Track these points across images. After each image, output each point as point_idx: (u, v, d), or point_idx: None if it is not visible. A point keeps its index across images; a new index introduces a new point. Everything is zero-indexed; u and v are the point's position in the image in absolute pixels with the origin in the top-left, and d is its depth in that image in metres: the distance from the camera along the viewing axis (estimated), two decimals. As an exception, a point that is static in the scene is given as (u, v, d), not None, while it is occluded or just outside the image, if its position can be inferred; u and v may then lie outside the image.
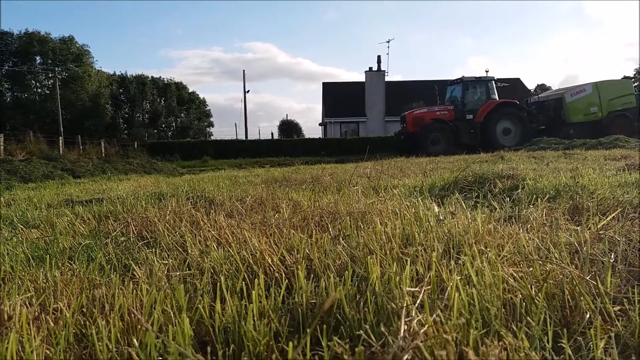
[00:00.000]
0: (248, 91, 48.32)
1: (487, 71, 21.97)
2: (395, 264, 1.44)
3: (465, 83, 20.91)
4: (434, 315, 1.06)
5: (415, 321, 1.05)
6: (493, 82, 21.21)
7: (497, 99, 20.98)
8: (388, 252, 1.66)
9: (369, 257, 1.50)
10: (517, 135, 20.45)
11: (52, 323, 1.24)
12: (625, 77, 22.04)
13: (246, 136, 47.87)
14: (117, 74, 58.17)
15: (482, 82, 21.07)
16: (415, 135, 20.14)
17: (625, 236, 1.78)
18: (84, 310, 1.34)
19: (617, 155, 7.26)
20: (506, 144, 19.40)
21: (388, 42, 45.85)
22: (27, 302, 1.40)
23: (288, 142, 33.40)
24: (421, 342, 0.96)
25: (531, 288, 1.25)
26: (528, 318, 1.12)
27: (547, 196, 2.79)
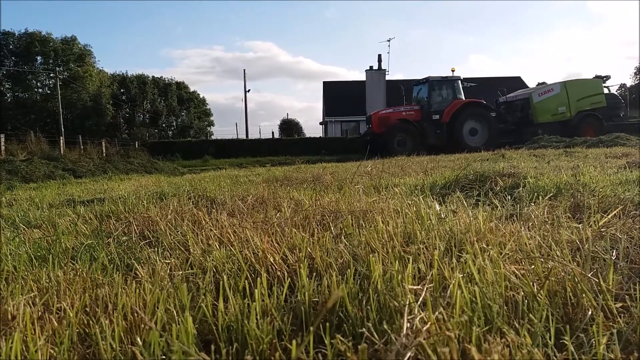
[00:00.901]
0: (249, 90, 48.30)
1: (453, 70, 21.54)
2: (397, 262, 1.44)
3: (431, 83, 20.59)
4: (437, 313, 1.07)
5: (417, 319, 1.05)
6: (459, 81, 20.93)
7: (464, 98, 20.66)
8: (390, 250, 1.66)
9: (370, 255, 1.50)
10: (484, 135, 20.10)
11: (55, 323, 1.24)
12: (597, 77, 21.74)
13: (247, 135, 47.89)
14: (118, 73, 58.19)
15: (448, 82, 20.79)
16: (381, 136, 19.73)
17: (627, 233, 1.78)
18: (87, 309, 1.34)
19: (618, 153, 7.26)
20: (473, 144, 18.90)
21: (389, 41, 45.88)
22: (30, 302, 1.40)
23: (289, 141, 33.42)
24: (424, 339, 0.96)
25: (533, 285, 1.25)
26: (530, 315, 1.12)
27: (549, 194, 2.79)
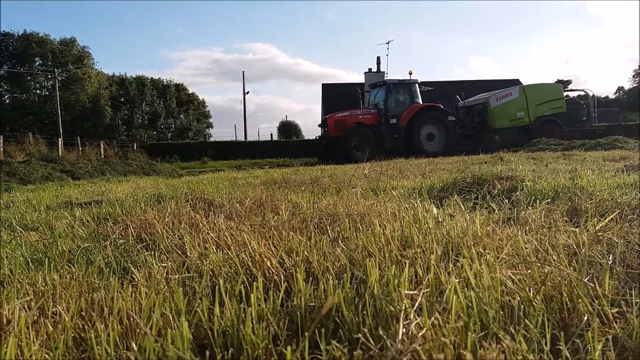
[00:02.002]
0: (247, 92, 48.37)
1: (410, 73, 21.04)
2: (394, 266, 1.44)
3: (388, 86, 20.01)
4: (432, 319, 1.07)
5: (413, 324, 1.05)
6: (417, 85, 20.49)
7: (421, 102, 20.21)
8: (387, 254, 1.66)
9: (367, 259, 1.50)
10: (442, 140, 19.77)
11: (51, 327, 1.24)
12: (559, 81, 21.38)
13: (245, 137, 47.92)
14: (116, 75, 58.16)
15: (406, 85, 20.31)
16: (337, 140, 19.04)
17: (624, 238, 1.78)
18: (83, 314, 1.34)
19: (616, 156, 7.27)
20: (430, 149, 18.77)
21: (387, 43, 45.81)
22: (26, 306, 1.40)
23: (287, 143, 33.42)
24: (419, 345, 0.96)
25: (529, 290, 1.25)
26: (526, 320, 1.12)
27: (546, 198, 2.80)
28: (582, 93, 21.48)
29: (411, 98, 20.22)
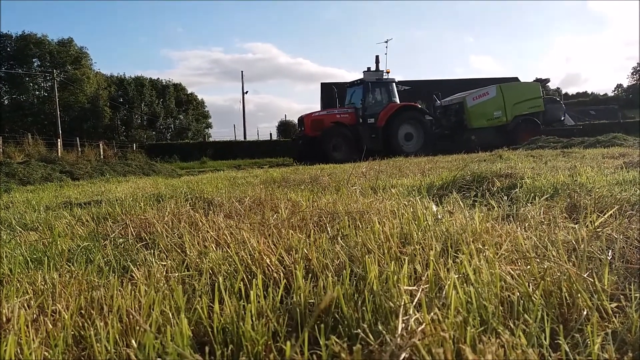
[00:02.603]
0: (246, 92, 48.38)
1: (387, 72, 20.51)
2: (393, 263, 1.45)
3: (366, 85, 19.57)
4: (432, 314, 1.07)
5: (412, 320, 1.05)
6: (394, 84, 20.14)
7: (398, 102, 19.88)
8: (386, 251, 1.66)
9: (367, 256, 1.50)
10: (420, 140, 19.41)
11: (50, 325, 1.24)
12: (537, 80, 21.05)
13: (245, 137, 47.91)
14: (115, 75, 58.14)
15: (383, 84, 19.93)
16: (315, 140, 18.44)
17: (623, 233, 1.79)
18: (83, 312, 1.34)
19: (615, 153, 7.28)
20: (408, 149, 18.29)
21: (386, 42, 45.83)
22: (25, 305, 1.40)
23: (286, 143, 33.41)
24: (419, 340, 0.96)
25: (529, 286, 1.25)
26: (525, 315, 1.12)
27: (545, 194, 2.80)
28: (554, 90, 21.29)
29: (389, 97, 19.88)
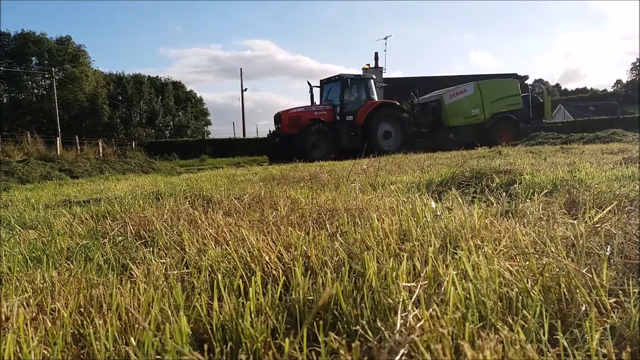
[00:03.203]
0: (245, 89, 48.24)
1: (366, 68, 19.99)
2: (392, 259, 1.44)
3: (344, 81, 18.77)
4: (430, 310, 1.07)
5: (411, 316, 1.05)
6: (372, 81, 19.62)
7: (377, 99, 19.33)
8: (385, 247, 1.66)
9: (366, 253, 1.50)
10: (399, 138, 18.87)
11: (49, 323, 1.24)
12: (516, 76, 20.52)
13: (244, 134, 47.85)
14: (114, 73, 58.08)
15: (362, 81, 19.33)
16: (293, 138, 17.56)
17: (622, 229, 1.79)
18: (82, 310, 1.34)
19: (615, 149, 7.28)
20: (387, 148, 17.79)
21: (385, 38, 45.73)
22: (24, 303, 1.40)
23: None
24: (417, 336, 0.96)
25: (527, 282, 1.25)
26: (524, 311, 1.12)
27: (544, 190, 2.80)
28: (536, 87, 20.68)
29: (367, 94, 19.24)
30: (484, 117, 19.00)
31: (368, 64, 20.03)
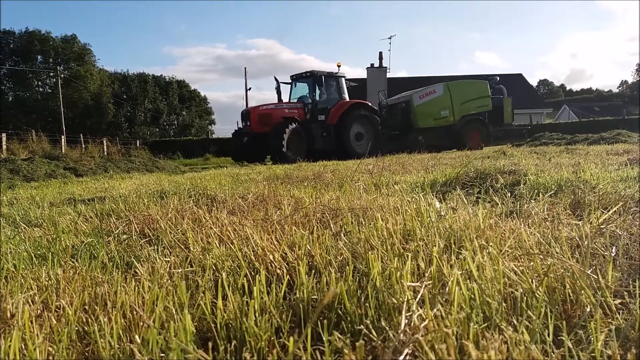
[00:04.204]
0: (249, 89, 48.19)
1: (339, 66, 19.01)
2: (396, 259, 1.44)
3: (318, 78, 17.86)
4: (435, 310, 1.07)
5: (415, 316, 1.05)
6: (343, 79, 18.79)
7: (347, 99, 18.49)
8: (389, 247, 1.66)
9: (370, 252, 1.50)
10: (370, 140, 18.04)
11: (54, 321, 1.24)
12: (487, 77, 19.80)
13: (248, 134, 47.77)
14: (118, 72, 58.27)
15: (334, 79, 18.42)
16: (265, 137, 16.29)
17: (627, 230, 1.78)
18: (87, 307, 1.34)
19: (620, 150, 7.25)
20: (359, 150, 16.97)
21: (390, 38, 45.82)
22: (29, 300, 1.40)
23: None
24: (422, 336, 0.96)
25: (532, 282, 1.25)
26: (529, 312, 1.12)
27: (549, 191, 2.79)
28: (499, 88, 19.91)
29: (339, 94, 18.46)
30: (454, 118, 18.56)
31: (339, 63, 19.32)
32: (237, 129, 18.99)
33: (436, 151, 13.76)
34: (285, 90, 19.29)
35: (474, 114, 18.73)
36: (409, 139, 18.13)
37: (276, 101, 18.47)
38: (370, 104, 18.94)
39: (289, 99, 19.00)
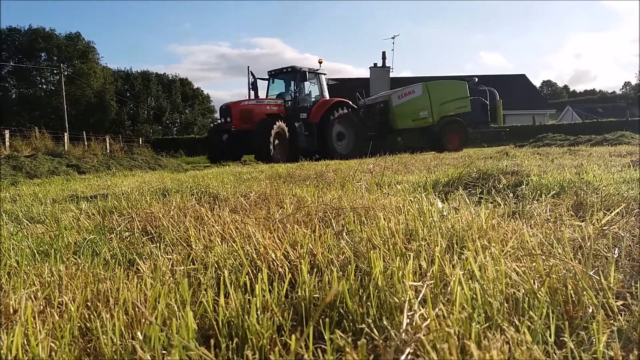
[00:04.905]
0: (254, 79, 47.80)
1: (320, 62, 18.23)
2: (398, 258, 1.44)
3: (301, 74, 16.97)
4: (437, 310, 1.07)
5: (417, 315, 1.05)
6: (324, 77, 18.08)
7: (328, 97, 17.74)
8: (391, 247, 1.66)
9: (372, 252, 1.50)
10: (351, 141, 17.43)
11: (57, 317, 1.25)
12: (465, 77, 19.35)
13: (251, 132, 47.77)
14: (122, 70, 58.37)
15: (316, 76, 17.61)
16: (247, 134, 15.19)
17: (630, 232, 1.78)
18: (89, 304, 1.35)
19: (623, 151, 7.23)
20: (341, 151, 16.50)
21: (393, 38, 45.64)
22: (32, 296, 1.41)
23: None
24: (423, 335, 0.96)
25: (534, 283, 1.25)
26: (531, 312, 1.12)
27: (551, 192, 2.79)
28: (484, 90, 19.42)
29: (320, 91, 17.71)
30: (433, 120, 18.07)
31: (321, 59, 18.34)
32: (213, 124, 18.06)
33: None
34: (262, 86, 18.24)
35: (453, 115, 18.34)
36: (387, 140, 17.49)
37: (248, 98, 17.49)
38: (351, 103, 18.20)
39: (266, 96, 17.89)
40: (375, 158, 8.18)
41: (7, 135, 15.37)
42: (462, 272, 1.29)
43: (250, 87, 17.72)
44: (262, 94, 18.06)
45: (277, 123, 15.42)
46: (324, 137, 16.71)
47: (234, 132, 15.58)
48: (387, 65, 37.57)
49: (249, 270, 1.52)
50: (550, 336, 1.04)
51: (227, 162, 13.52)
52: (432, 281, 1.27)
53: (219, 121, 16.68)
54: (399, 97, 18.30)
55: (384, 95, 19.31)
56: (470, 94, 18.65)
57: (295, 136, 16.22)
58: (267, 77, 18.19)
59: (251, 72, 18.17)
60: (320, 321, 1.13)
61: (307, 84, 17.49)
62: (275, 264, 1.63)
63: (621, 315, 1.14)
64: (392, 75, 37.47)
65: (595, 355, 0.98)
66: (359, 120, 18.20)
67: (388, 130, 18.28)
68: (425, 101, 18.06)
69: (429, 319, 1.02)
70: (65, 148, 17.76)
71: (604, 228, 1.82)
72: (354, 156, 13.98)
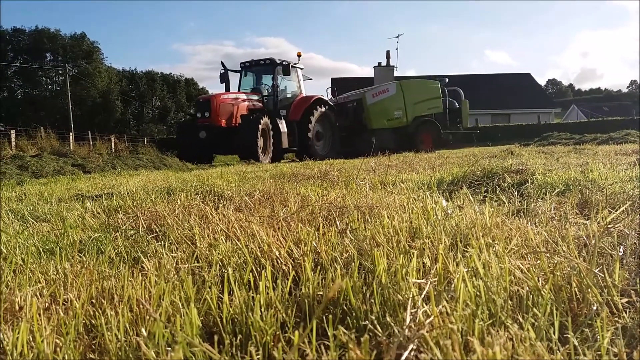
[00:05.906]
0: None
1: (299, 55, 17.37)
2: (402, 256, 1.44)
3: (285, 67, 15.71)
4: (440, 307, 1.07)
5: (421, 312, 1.05)
6: (300, 72, 17.19)
7: (304, 93, 16.92)
8: (395, 245, 1.66)
9: (375, 249, 1.50)
10: (329, 141, 16.85)
11: (62, 313, 1.25)
12: (436, 77, 18.78)
13: (255, 132, 47.86)
14: (127, 70, 58.57)
15: (294, 71, 16.55)
16: (229, 132, 14.03)
17: (635, 230, 1.77)
18: (94, 301, 1.36)
19: (629, 150, 7.19)
20: (320, 151, 15.90)
21: (397, 37, 45.60)
22: (38, 293, 1.41)
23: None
24: (427, 332, 0.96)
25: (538, 280, 1.25)
26: (534, 309, 1.12)
27: (556, 190, 2.78)
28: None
29: (298, 87, 16.88)
30: (407, 120, 17.68)
31: (299, 52, 17.47)
32: (184, 119, 16.62)
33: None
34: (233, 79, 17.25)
35: (426, 115, 17.95)
36: (361, 141, 16.94)
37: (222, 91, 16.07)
38: (329, 101, 17.44)
39: (238, 89, 16.57)
40: (377, 157, 8.17)
41: (13, 136, 15.46)
42: (466, 270, 1.29)
43: (220, 79, 16.38)
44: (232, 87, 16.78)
45: (263, 119, 14.13)
46: (304, 136, 15.86)
47: (215, 129, 14.04)
48: (391, 64, 37.52)
49: (253, 268, 1.52)
50: (554, 333, 1.03)
51: (200, 163, 12.44)
52: (436, 279, 1.27)
53: (196, 115, 14.87)
54: (372, 95, 17.76)
55: (357, 94, 18.53)
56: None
57: (279, 134, 15.00)
58: (240, 68, 16.95)
59: (222, 62, 16.69)
60: (324, 318, 1.13)
61: (280, 77, 16.19)
62: (279, 261, 1.64)
63: (626, 313, 1.14)
64: (396, 74, 37.39)
65: (599, 352, 0.97)
66: (335, 120, 17.47)
67: (362, 130, 17.65)
68: (399, 100, 17.64)
69: (433, 316, 1.02)
70: (71, 148, 17.82)
71: (609, 226, 1.82)
72: (332, 157, 13.56)
